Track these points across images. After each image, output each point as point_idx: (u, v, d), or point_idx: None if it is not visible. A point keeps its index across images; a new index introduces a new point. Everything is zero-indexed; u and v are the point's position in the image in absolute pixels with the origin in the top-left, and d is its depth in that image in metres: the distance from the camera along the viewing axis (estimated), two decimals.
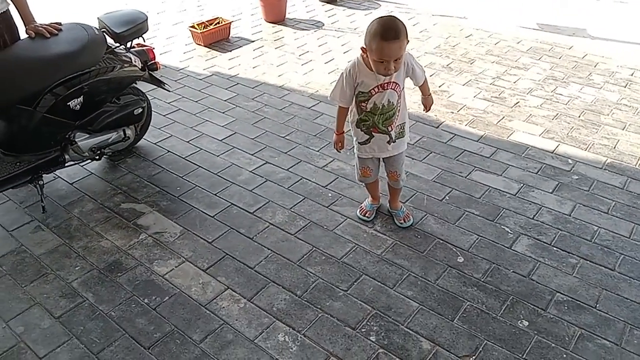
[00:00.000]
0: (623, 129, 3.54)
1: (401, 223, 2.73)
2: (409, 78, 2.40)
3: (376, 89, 2.29)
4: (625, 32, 5.07)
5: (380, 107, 2.32)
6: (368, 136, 2.45)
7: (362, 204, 2.82)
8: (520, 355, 2.09)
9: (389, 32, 2.07)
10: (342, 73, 2.34)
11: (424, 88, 2.53)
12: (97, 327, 2.23)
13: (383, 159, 2.58)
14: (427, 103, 2.60)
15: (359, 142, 2.50)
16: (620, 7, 5.75)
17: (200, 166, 3.24)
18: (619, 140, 3.42)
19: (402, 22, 2.12)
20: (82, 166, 3.21)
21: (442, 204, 2.90)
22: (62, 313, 2.30)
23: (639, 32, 5.09)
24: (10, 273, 2.51)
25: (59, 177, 3.15)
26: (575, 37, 4.99)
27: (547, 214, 2.81)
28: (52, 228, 2.77)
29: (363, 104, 2.35)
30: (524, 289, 2.38)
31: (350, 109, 2.44)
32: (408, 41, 2.15)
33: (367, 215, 2.77)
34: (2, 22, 2.67)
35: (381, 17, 2.15)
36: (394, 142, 2.46)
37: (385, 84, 2.28)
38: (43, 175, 2.83)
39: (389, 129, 2.40)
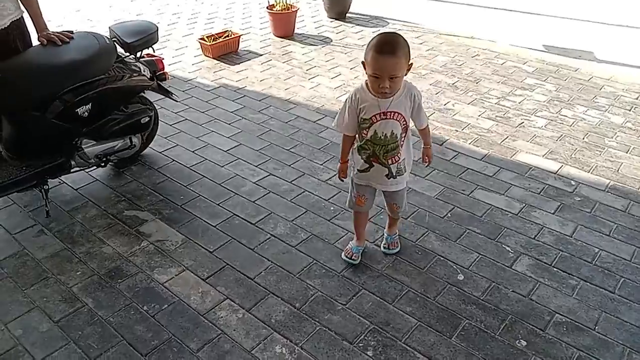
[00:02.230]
0: (627, 152, 3.55)
1: (386, 248, 2.66)
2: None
3: (378, 117, 2.19)
4: (631, 56, 5.09)
5: (382, 137, 2.22)
6: (368, 165, 2.34)
7: (348, 246, 2.65)
8: None
9: (385, 45, 2.02)
10: (346, 99, 2.26)
11: (425, 135, 2.43)
12: (95, 332, 2.24)
13: (383, 191, 2.47)
14: (429, 155, 2.48)
15: (357, 169, 2.39)
16: (626, 31, 5.79)
17: (204, 176, 3.27)
18: (622, 164, 3.43)
19: (405, 40, 2.07)
20: (87, 172, 3.24)
21: (443, 221, 2.90)
22: (61, 317, 2.31)
23: None
24: (12, 276, 2.52)
25: (64, 182, 3.18)
26: (581, 59, 5.02)
27: (548, 235, 2.81)
28: (55, 232, 2.79)
29: (364, 131, 2.25)
30: (523, 308, 2.38)
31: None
32: (411, 64, 2.09)
33: (353, 258, 2.59)
34: (16, 29, 2.73)
35: (386, 32, 2.12)
36: (393, 178, 2.35)
37: (388, 113, 2.17)
38: (48, 180, 2.87)
39: (389, 162, 2.29)
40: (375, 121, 2.20)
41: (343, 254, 2.63)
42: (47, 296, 2.41)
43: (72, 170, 2.98)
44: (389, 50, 2.01)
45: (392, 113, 2.19)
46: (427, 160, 2.50)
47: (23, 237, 2.77)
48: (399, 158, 2.30)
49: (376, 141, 2.24)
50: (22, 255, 2.65)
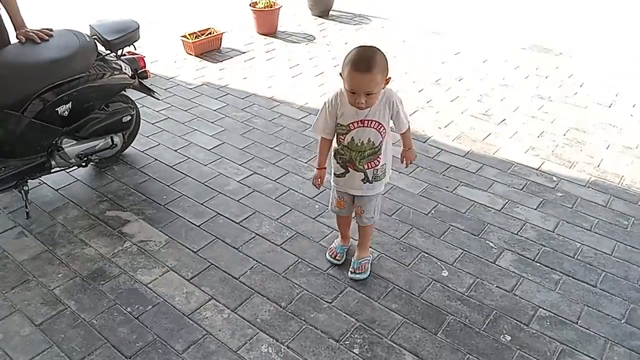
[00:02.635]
0: (607, 148, 3.60)
1: (351, 272, 2.50)
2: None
3: (355, 124, 2.15)
4: (612, 54, 5.17)
5: (359, 143, 2.19)
6: (344, 170, 2.30)
7: (332, 245, 2.65)
8: None
9: (361, 62, 1.97)
10: (325, 103, 2.22)
11: (405, 138, 2.37)
12: (79, 335, 2.21)
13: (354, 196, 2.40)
14: (407, 157, 2.42)
15: (334, 174, 2.36)
16: (607, 28, 5.87)
17: (187, 175, 3.24)
18: (602, 159, 3.48)
19: (382, 55, 2.01)
20: (68, 172, 3.19)
21: (427, 217, 2.92)
22: (43, 320, 2.27)
23: (624, 54, 5.19)
24: None
25: (44, 183, 3.12)
26: (561, 57, 5.08)
27: (531, 230, 2.84)
28: (36, 234, 2.75)
29: (341, 136, 2.21)
30: (507, 303, 2.40)
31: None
32: (389, 78, 2.05)
33: (337, 258, 2.58)
34: None
35: (363, 46, 2.06)
36: (369, 183, 2.30)
37: (366, 121, 2.14)
38: (28, 180, 2.82)
39: (366, 167, 2.25)
40: (352, 128, 2.17)
41: (327, 253, 2.63)
42: (29, 299, 2.37)
43: (52, 171, 2.93)
44: (364, 67, 1.96)
45: (370, 121, 2.15)
46: (406, 162, 2.44)
47: (3, 239, 2.71)
48: (377, 163, 2.26)
49: (353, 147, 2.21)
50: (2, 257, 2.60)
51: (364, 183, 2.31)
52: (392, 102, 2.17)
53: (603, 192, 3.16)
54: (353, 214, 2.51)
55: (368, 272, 2.52)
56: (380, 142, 2.20)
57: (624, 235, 2.83)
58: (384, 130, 2.18)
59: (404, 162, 2.44)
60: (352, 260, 2.54)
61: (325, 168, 2.38)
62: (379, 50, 2.04)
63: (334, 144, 2.30)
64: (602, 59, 5.06)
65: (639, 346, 2.21)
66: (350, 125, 2.17)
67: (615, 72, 4.79)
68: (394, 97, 2.18)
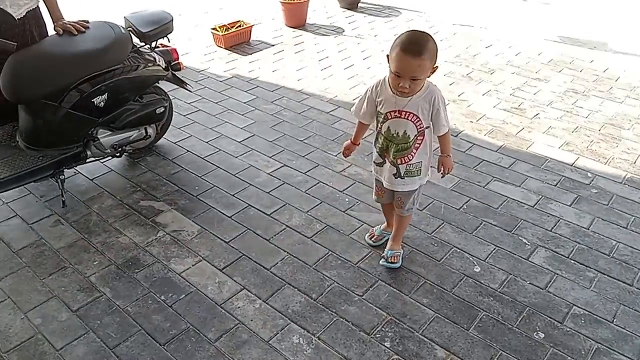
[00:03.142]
0: None
1: (384, 260, 2.51)
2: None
3: (392, 114, 2.15)
4: None
5: (395, 134, 2.18)
6: (382, 159, 2.32)
7: (373, 228, 2.70)
8: None
9: (411, 45, 1.95)
10: (367, 88, 2.23)
11: (443, 143, 2.29)
12: (114, 321, 2.25)
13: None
14: (445, 164, 2.31)
15: (374, 162, 2.38)
16: None
17: (218, 167, 3.27)
18: (639, 156, 3.39)
19: (433, 41, 1.99)
20: (102, 163, 3.25)
21: (459, 212, 2.89)
22: (79, 307, 2.32)
23: None
24: (30, 265, 2.54)
25: (79, 172, 3.19)
26: (596, 50, 4.96)
27: (565, 227, 2.79)
28: (72, 222, 2.81)
29: (380, 125, 2.23)
30: (540, 300, 2.37)
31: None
32: (436, 67, 2.02)
33: (373, 239, 2.64)
34: (32, 19, 2.73)
35: (415, 30, 2.05)
36: (401, 178, 2.28)
37: (403, 112, 2.12)
38: (64, 170, 2.88)
39: (398, 161, 2.24)
40: (389, 117, 2.17)
41: (367, 235, 2.68)
42: (65, 286, 2.43)
43: (87, 161, 2.99)
44: (414, 51, 1.94)
45: (407, 113, 2.13)
46: (443, 170, 2.34)
47: (40, 227, 2.78)
48: (410, 159, 2.23)
49: (389, 137, 2.22)
50: (40, 245, 2.66)
51: (395, 178, 2.30)
52: (434, 98, 2.12)
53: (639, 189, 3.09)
54: (394, 204, 2.49)
55: (399, 263, 2.52)
56: (416, 135, 2.18)
57: None
58: (420, 124, 2.16)
59: (441, 170, 2.34)
60: (385, 250, 2.54)
61: (358, 144, 2.44)
62: (431, 36, 2.02)
63: (375, 131, 2.31)
64: (637, 52, 4.92)
65: None
66: (388, 114, 2.17)
67: None
68: (437, 94, 2.13)
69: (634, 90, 4.22)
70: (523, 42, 5.12)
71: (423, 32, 2.05)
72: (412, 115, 2.13)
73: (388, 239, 2.62)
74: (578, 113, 3.89)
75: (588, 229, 2.78)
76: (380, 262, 2.52)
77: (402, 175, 2.29)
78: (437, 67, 2.05)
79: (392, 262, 2.50)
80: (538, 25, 5.56)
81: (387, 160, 2.30)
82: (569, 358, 2.11)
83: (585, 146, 3.49)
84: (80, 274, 2.49)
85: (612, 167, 3.27)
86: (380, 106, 2.20)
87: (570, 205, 2.95)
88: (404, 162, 2.25)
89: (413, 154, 2.23)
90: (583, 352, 2.13)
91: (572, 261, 2.58)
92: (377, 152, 2.34)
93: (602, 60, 4.74)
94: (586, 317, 2.29)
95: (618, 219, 2.86)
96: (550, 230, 2.77)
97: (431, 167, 2.37)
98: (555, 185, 3.11)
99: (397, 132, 2.18)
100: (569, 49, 4.99)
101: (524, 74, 4.48)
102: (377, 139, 2.31)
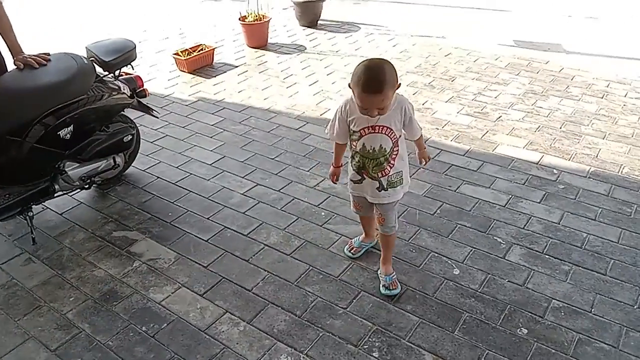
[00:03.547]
0: (603, 138, 3.64)
1: (385, 288, 2.44)
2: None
3: (366, 130, 2.15)
4: (598, 46, 5.25)
5: (370, 150, 2.18)
6: (360, 177, 2.31)
7: (352, 240, 2.71)
8: None
9: (370, 83, 1.95)
10: (337, 109, 2.23)
11: (418, 144, 2.39)
12: (95, 357, 2.19)
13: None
14: (424, 156, 2.43)
15: (351, 180, 2.37)
16: (591, 22, 5.96)
17: (191, 191, 3.24)
18: (600, 149, 3.52)
19: (390, 68, 1.98)
20: (71, 196, 3.18)
21: (434, 217, 2.93)
22: (58, 345, 2.25)
23: (610, 46, 5.27)
24: (2, 307, 2.45)
25: (48, 207, 3.11)
26: (550, 52, 5.15)
27: (537, 224, 2.86)
28: (44, 260, 2.73)
29: (354, 142, 2.23)
30: (520, 297, 2.41)
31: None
32: (399, 85, 2.02)
33: (352, 251, 2.65)
34: None
35: (370, 61, 2.02)
36: (384, 190, 2.28)
37: (377, 127, 2.13)
38: (32, 206, 2.80)
39: (379, 175, 2.24)
40: (364, 134, 2.17)
41: (346, 247, 2.69)
42: (42, 325, 2.35)
43: (55, 195, 2.92)
44: (374, 89, 1.95)
45: (381, 127, 2.14)
46: (424, 162, 2.46)
47: (10, 267, 2.69)
48: (389, 171, 2.24)
49: (365, 154, 2.22)
50: (12, 285, 2.58)
51: (379, 191, 2.29)
52: (404, 108, 2.16)
53: (604, 181, 3.19)
54: (376, 221, 2.49)
55: (399, 288, 2.45)
56: (392, 147, 2.20)
57: (629, 222, 2.86)
58: (394, 136, 2.18)
59: (422, 162, 2.45)
60: (382, 276, 2.49)
61: (340, 166, 2.44)
62: (387, 62, 2.01)
63: (350, 150, 2.31)
64: (589, 51, 5.13)
65: None
66: (362, 131, 2.17)
67: (604, 63, 4.85)
68: (406, 104, 2.17)
69: (590, 87, 4.39)
70: (480, 49, 5.27)
71: (378, 61, 2.03)
72: (386, 128, 2.15)
73: (367, 249, 2.64)
74: (539, 113, 4.01)
75: (559, 224, 2.86)
76: (382, 291, 2.44)
77: (386, 187, 2.28)
78: (399, 84, 2.05)
79: (393, 289, 2.43)
80: (493, 31, 5.74)
81: (366, 177, 2.29)
82: (552, 351, 2.15)
83: (549, 144, 3.60)
84: (57, 312, 2.42)
85: (576, 163, 3.38)
86: (353, 124, 2.19)
87: (539, 202, 3.03)
88: (384, 174, 2.25)
89: (392, 165, 2.24)
90: (566, 344, 2.18)
91: (547, 256, 2.65)
92: (354, 170, 2.32)
93: (557, 61, 4.92)
94: (565, 310, 2.34)
95: (586, 211, 2.95)
96: (523, 228, 2.83)
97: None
98: (523, 184, 3.19)
99: (373, 147, 2.19)
100: (524, 52, 5.17)
101: (484, 79, 4.60)
102: (352, 157, 2.30)
